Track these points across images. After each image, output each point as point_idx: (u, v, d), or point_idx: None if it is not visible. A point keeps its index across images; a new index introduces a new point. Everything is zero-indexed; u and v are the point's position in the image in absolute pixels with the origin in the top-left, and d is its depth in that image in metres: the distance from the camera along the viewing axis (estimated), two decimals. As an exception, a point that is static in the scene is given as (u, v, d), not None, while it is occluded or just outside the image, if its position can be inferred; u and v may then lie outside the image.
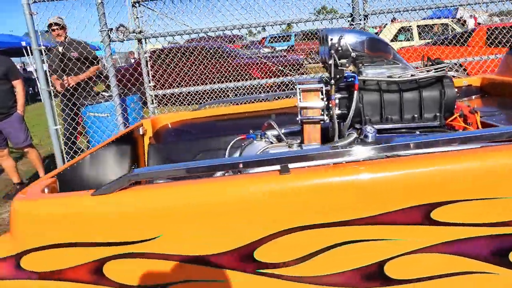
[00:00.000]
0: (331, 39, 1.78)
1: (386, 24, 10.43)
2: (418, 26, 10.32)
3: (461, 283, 1.18)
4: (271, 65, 7.88)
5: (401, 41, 10.11)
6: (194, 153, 2.64)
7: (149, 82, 4.09)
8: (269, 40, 16.93)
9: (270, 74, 7.45)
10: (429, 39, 9.60)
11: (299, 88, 1.86)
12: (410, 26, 10.26)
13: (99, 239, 1.22)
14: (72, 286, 1.25)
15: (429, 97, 1.78)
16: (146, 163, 2.45)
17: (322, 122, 1.88)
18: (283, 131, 2.13)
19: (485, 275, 1.17)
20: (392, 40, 9.89)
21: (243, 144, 2.09)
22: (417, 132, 1.80)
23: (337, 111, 1.86)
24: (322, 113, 1.86)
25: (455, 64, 5.61)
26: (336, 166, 1.20)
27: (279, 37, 17.15)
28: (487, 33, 6.63)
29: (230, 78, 5.85)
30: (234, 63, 6.61)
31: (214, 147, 2.62)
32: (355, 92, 1.76)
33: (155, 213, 1.20)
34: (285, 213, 1.17)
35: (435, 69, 1.83)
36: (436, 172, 1.13)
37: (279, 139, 2.03)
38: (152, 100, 4.11)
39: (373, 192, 1.14)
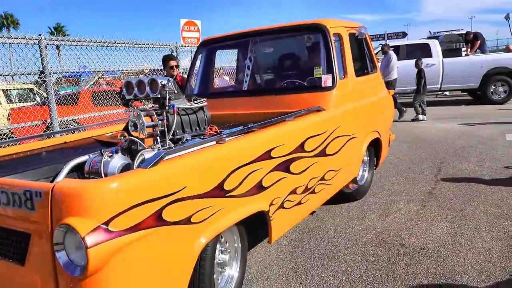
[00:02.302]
0: (161, 82, 2.84)
1: None
2: (2, 90, 10.61)
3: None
4: None
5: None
6: None
7: None
8: None
9: None
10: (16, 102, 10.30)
11: (143, 114, 2.78)
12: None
13: (157, 195, 1.87)
14: (148, 232, 1.80)
15: (200, 116, 3.16)
16: None
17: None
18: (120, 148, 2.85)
19: (283, 180, 2.77)
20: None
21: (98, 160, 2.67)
22: (202, 137, 3.14)
23: (160, 127, 2.91)
24: (154, 130, 2.87)
25: (73, 120, 7.01)
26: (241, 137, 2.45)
27: None
28: (92, 95, 8.29)
29: None
30: None
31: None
32: (175, 115, 2.91)
33: (180, 172, 2.01)
34: (237, 157, 2.31)
35: (198, 102, 3.25)
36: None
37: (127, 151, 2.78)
38: None
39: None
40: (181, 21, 10.97)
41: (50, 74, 4.56)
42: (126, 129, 2.93)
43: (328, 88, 3.59)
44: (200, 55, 4.58)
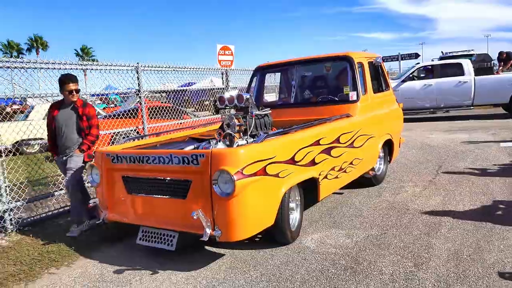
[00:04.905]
0: (246, 96, 4.35)
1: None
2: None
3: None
4: None
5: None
6: None
7: None
8: None
9: None
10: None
11: (233, 117, 4.29)
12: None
13: (263, 158, 3.35)
14: (260, 178, 3.29)
15: (267, 120, 4.66)
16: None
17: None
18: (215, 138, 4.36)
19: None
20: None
21: (210, 143, 4.16)
22: (269, 132, 4.63)
23: (243, 127, 4.40)
24: (239, 128, 4.37)
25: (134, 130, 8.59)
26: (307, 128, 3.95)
27: None
28: (148, 109, 9.94)
29: None
30: None
31: None
32: (254, 118, 4.41)
33: (273, 147, 3.50)
34: (301, 141, 3.79)
35: (264, 110, 4.75)
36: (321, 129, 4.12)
37: (226, 141, 4.27)
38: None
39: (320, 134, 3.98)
40: (217, 46, 12.51)
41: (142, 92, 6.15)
42: (221, 127, 4.44)
43: (354, 101, 5.07)
44: (255, 77, 6.13)
